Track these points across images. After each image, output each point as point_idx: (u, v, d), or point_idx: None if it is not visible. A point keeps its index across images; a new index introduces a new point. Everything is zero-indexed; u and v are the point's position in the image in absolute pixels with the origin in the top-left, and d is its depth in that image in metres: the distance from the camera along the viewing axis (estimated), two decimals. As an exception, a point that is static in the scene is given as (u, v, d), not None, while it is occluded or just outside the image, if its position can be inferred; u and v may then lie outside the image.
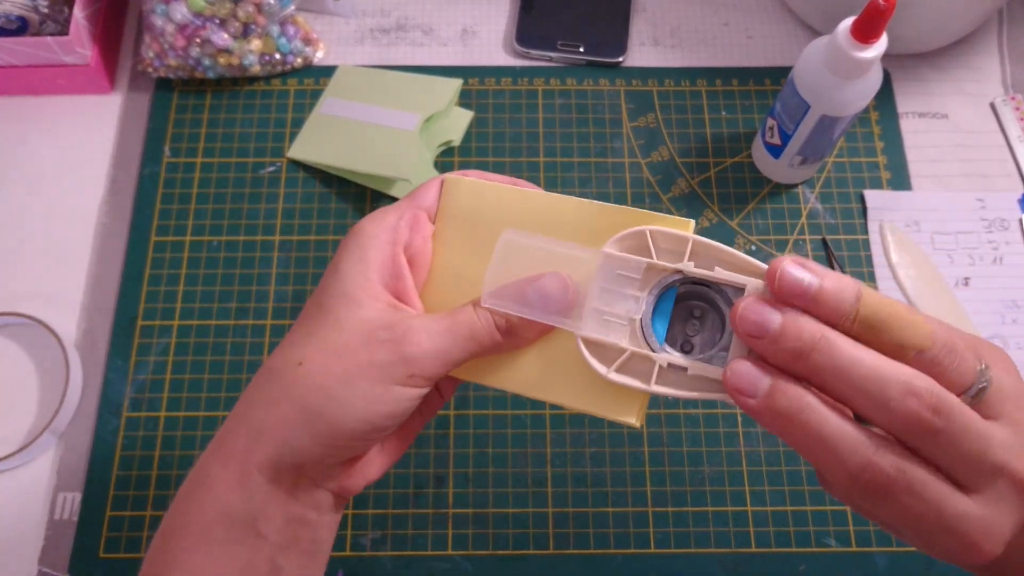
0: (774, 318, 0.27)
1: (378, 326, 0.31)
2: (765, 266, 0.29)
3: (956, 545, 0.27)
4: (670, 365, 0.30)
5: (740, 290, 0.30)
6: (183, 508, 0.31)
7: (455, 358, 0.32)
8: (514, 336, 0.32)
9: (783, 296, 0.27)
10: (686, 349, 0.31)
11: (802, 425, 0.27)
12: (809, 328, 0.27)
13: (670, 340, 0.31)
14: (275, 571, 0.31)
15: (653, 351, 0.31)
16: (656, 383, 0.30)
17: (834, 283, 0.27)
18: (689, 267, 0.30)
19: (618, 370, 0.31)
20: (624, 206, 0.32)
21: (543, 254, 0.32)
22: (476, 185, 0.35)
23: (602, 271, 0.31)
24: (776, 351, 0.27)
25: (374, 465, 0.35)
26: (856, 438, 0.26)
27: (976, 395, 0.28)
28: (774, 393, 0.27)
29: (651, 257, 0.31)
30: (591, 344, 0.31)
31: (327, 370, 0.30)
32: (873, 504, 0.27)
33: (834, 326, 0.27)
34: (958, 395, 0.27)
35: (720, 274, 0.30)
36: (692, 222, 0.31)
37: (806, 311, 0.27)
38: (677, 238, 0.31)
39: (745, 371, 0.28)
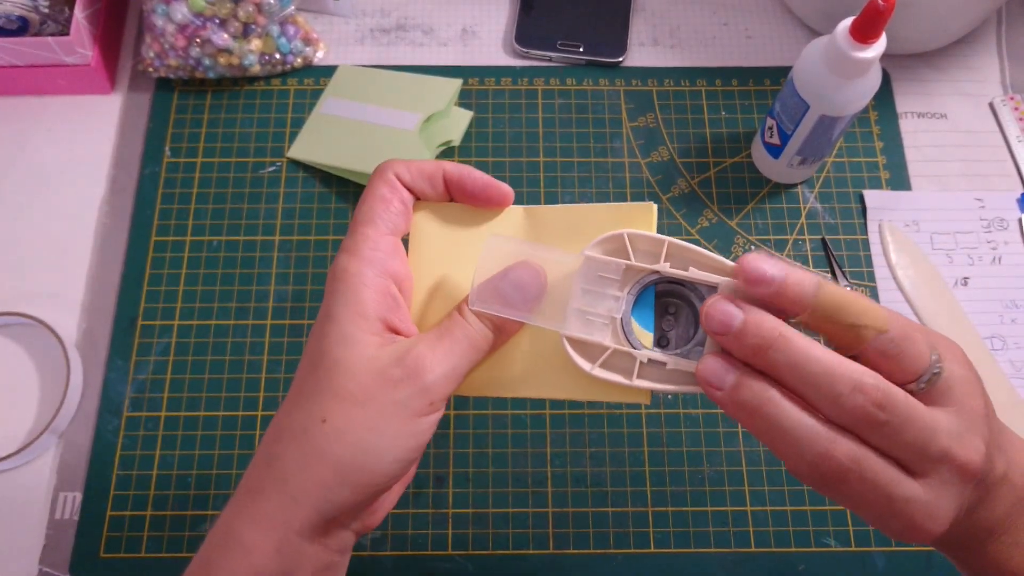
0: (737, 315, 0.29)
1: (387, 363, 0.31)
2: (729, 263, 0.31)
3: (904, 526, 0.29)
4: (650, 360, 0.32)
5: (714, 288, 0.31)
6: (215, 569, 0.31)
7: (463, 372, 0.32)
8: (503, 332, 0.34)
9: (750, 285, 0.29)
10: (662, 344, 0.33)
11: (764, 417, 0.29)
12: (768, 325, 0.29)
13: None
14: None
15: (634, 348, 0.32)
16: (637, 378, 0.32)
17: (797, 275, 0.29)
18: (665, 268, 0.32)
19: (602, 366, 0.32)
20: (591, 204, 0.34)
21: (526, 256, 0.33)
22: (447, 206, 0.36)
23: (583, 273, 0.33)
24: (739, 347, 0.29)
25: (392, 496, 0.36)
26: (814, 429, 0.29)
27: (929, 381, 0.30)
28: (739, 386, 0.29)
29: (629, 259, 0.32)
30: (576, 342, 0.33)
31: (352, 422, 0.30)
32: (830, 490, 0.30)
33: (798, 314, 0.30)
34: (912, 381, 0.30)
35: (694, 274, 0.31)
36: (654, 205, 0.33)
37: (772, 302, 0.29)
38: (653, 240, 0.32)
39: (714, 365, 0.30)
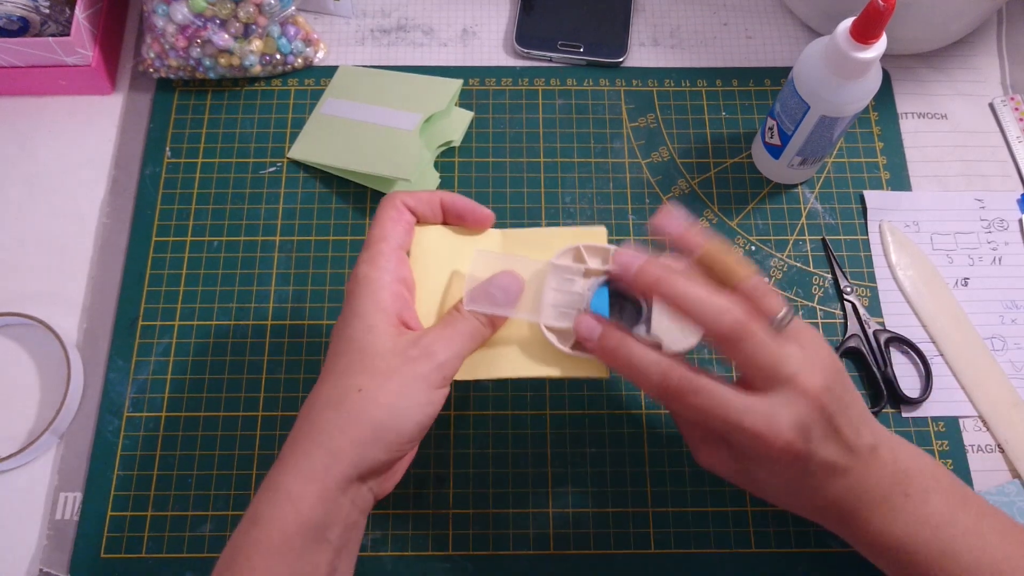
0: (637, 259, 0.39)
1: (406, 346, 0.39)
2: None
3: (749, 436, 0.37)
4: None
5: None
6: (264, 520, 0.36)
7: (465, 355, 0.40)
8: (493, 325, 0.42)
9: (659, 231, 0.41)
10: None
11: (621, 356, 0.39)
12: (655, 268, 0.39)
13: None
14: (332, 573, 0.38)
15: None
16: None
17: (691, 235, 0.40)
18: (614, 268, 0.41)
19: (572, 347, 0.42)
20: (553, 227, 0.47)
21: (508, 265, 0.42)
22: (442, 228, 0.44)
23: (552, 276, 0.43)
24: (638, 283, 0.40)
25: (402, 466, 0.45)
26: (655, 360, 0.39)
27: (781, 321, 0.38)
28: (602, 336, 0.40)
29: (585, 263, 0.43)
30: (551, 329, 0.42)
31: (384, 390, 0.38)
32: (674, 405, 0.39)
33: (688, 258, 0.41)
34: (767, 320, 0.38)
35: None
36: (604, 229, 0.44)
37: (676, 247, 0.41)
38: (603, 249, 0.43)
39: (586, 322, 0.40)
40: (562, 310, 0.42)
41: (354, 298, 0.40)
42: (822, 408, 0.37)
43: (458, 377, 0.41)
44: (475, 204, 0.44)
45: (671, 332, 0.41)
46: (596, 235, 0.44)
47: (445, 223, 0.45)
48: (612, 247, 0.42)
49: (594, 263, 0.43)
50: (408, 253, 0.43)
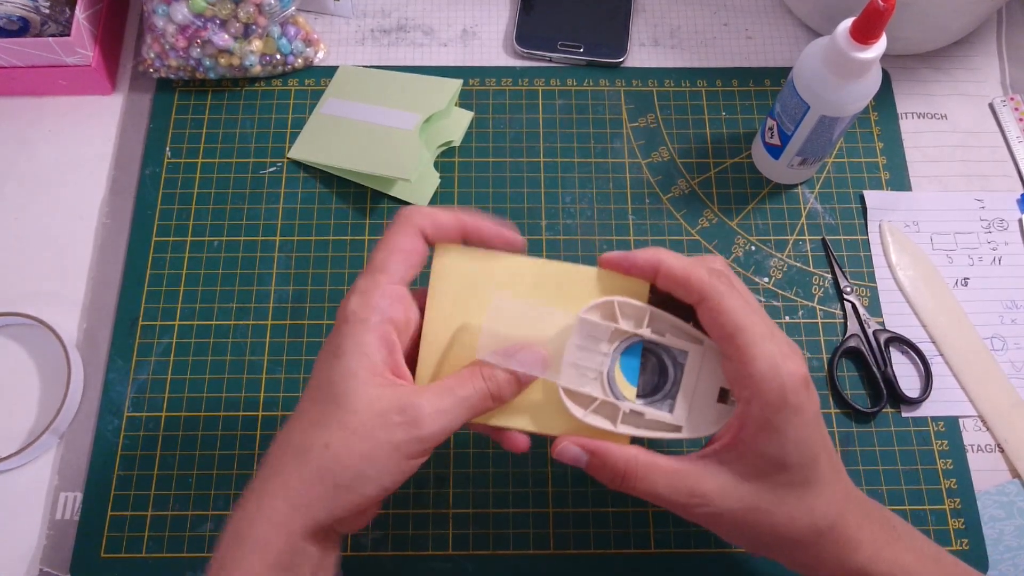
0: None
1: (389, 407, 0.35)
2: (700, 334, 0.38)
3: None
4: (631, 411, 0.38)
5: (685, 352, 0.38)
6: (230, 569, 0.35)
7: (456, 428, 0.37)
8: (499, 400, 0.38)
9: (625, 268, 0.39)
10: (645, 394, 0.39)
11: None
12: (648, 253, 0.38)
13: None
14: None
15: (617, 399, 0.38)
16: (621, 424, 0.38)
17: (638, 258, 0.38)
18: (646, 332, 0.38)
19: (591, 412, 0.38)
20: (594, 267, 0.39)
21: (529, 317, 0.38)
22: (465, 252, 0.39)
23: (578, 332, 0.38)
24: (622, 272, 0.39)
25: (371, 513, 0.40)
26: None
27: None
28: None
29: (617, 322, 0.38)
30: (569, 391, 0.38)
31: (352, 452, 0.35)
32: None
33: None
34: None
35: (669, 340, 0.38)
36: (647, 284, 0.39)
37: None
38: (638, 308, 0.38)
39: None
40: (583, 371, 0.38)
41: (339, 335, 0.36)
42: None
43: None
44: (502, 228, 0.39)
45: (696, 412, 0.39)
46: (638, 286, 0.39)
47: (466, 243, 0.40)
48: (648, 307, 0.38)
49: (627, 324, 0.38)
50: (412, 281, 0.39)
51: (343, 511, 0.36)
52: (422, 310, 0.39)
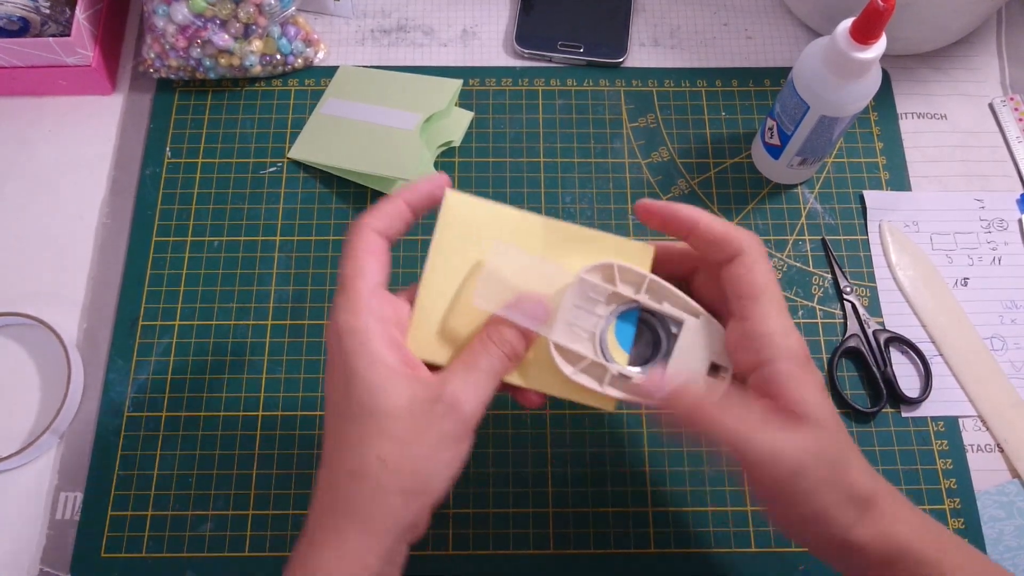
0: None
1: (427, 402, 0.35)
2: (698, 307, 0.38)
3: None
4: (620, 374, 0.38)
5: (678, 321, 0.38)
6: None
7: (490, 397, 0.37)
8: (517, 358, 0.38)
9: (664, 217, 0.39)
10: (636, 363, 0.39)
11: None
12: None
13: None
14: None
15: (607, 361, 0.38)
16: (608, 386, 0.38)
17: (681, 213, 0.38)
18: (644, 299, 0.38)
19: (580, 372, 0.38)
20: (599, 232, 0.39)
21: (530, 269, 0.38)
22: (473, 202, 0.39)
23: (576, 291, 0.38)
24: (657, 222, 0.39)
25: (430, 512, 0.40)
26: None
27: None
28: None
29: (615, 285, 0.38)
30: (561, 348, 0.38)
31: (409, 457, 0.35)
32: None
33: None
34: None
35: (666, 308, 0.38)
36: (652, 249, 0.39)
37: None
38: (638, 274, 0.38)
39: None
40: (576, 329, 0.38)
41: (344, 355, 0.35)
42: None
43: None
44: (427, 183, 0.39)
45: (690, 367, 0.39)
46: (641, 254, 0.39)
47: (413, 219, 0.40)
48: (648, 274, 0.38)
49: (625, 288, 0.38)
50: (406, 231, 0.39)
51: (416, 516, 0.35)
52: (410, 303, 0.39)
